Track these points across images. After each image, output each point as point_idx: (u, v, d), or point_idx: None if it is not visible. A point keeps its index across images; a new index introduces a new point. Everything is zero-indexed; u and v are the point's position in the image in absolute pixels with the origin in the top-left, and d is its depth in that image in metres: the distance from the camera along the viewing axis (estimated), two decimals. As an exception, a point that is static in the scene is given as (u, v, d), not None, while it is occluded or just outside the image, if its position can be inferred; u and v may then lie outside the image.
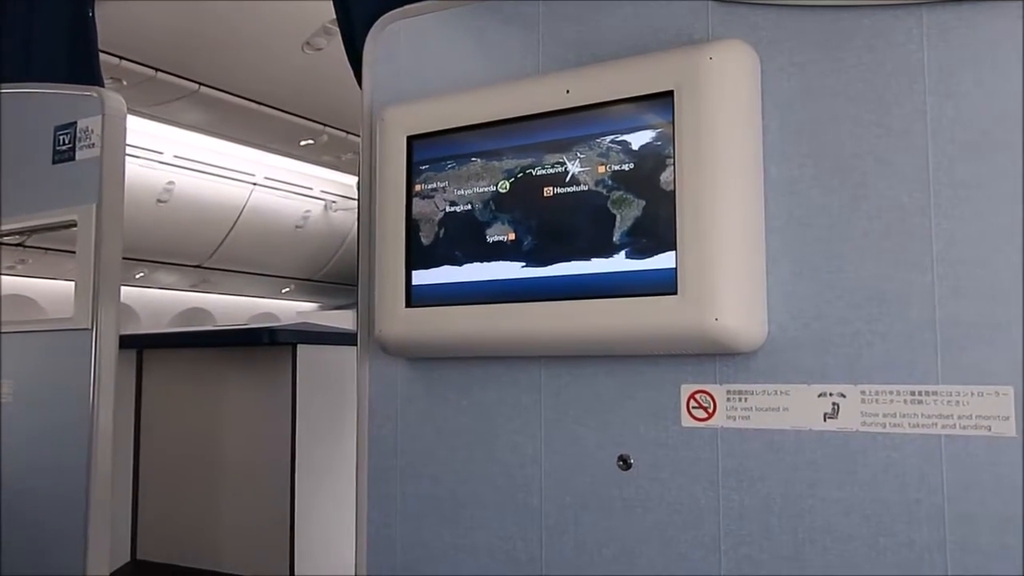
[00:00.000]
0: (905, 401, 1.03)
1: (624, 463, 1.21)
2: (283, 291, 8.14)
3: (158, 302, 7.00)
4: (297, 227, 7.06)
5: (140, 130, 4.89)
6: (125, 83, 3.84)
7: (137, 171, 5.17)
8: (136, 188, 5.18)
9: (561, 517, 1.25)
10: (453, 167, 1.31)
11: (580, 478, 1.24)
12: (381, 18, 1.50)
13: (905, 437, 1.03)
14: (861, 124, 1.08)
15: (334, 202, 7.00)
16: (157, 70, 3.87)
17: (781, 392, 1.11)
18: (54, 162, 1.88)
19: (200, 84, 4.12)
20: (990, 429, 0.98)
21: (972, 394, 0.99)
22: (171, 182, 5.65)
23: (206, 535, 2.63)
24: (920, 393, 1.02)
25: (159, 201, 5.69)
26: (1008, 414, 0.97)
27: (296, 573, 2.37)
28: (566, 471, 1.25)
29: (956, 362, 1.00)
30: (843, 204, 1.09)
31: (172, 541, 2.71)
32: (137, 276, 6.41)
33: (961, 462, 0.99)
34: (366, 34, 1.53)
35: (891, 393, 1.04)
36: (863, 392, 1.06)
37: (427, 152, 1.35)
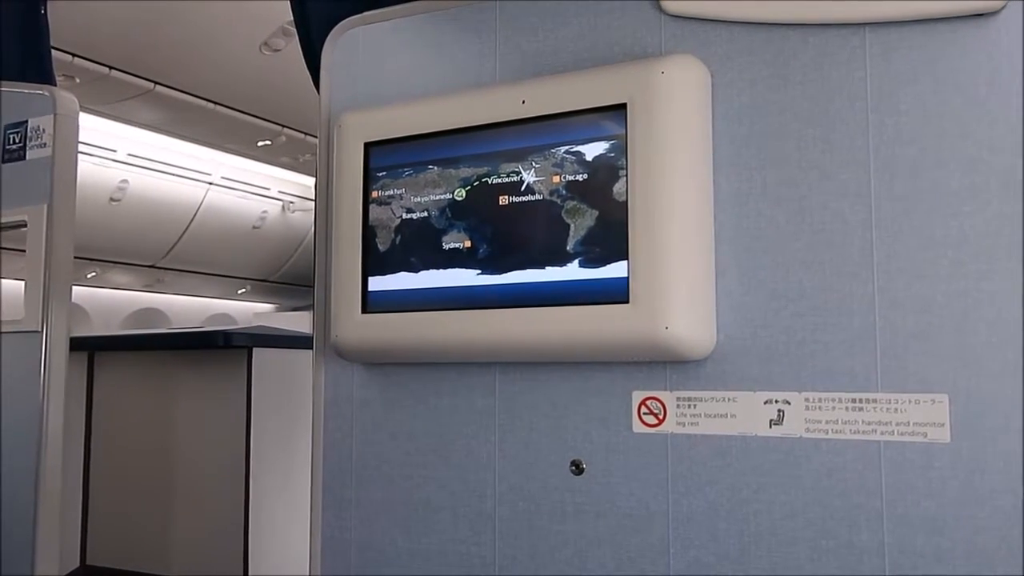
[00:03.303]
0: (847, 408, 1.07)
1: (577, 468, 1.23)
2: (239, 292, 8.05)
3: (110, 302, 6.87)
4: (254, 227, 6.99)
5: (94, 128, 4.81)
6: (78, 81, 3.79)
7: (90, 169, 5.08)
8: (89, 186, 5.09)
9: (514, 521, 1.27)
10: (410, 174, 1.33)
11: (533, 483, 1.26)
12: (340, 24, 1.51)
13: (846, 443, 1.06)
14: (807, 139, 1.12)
15: (292, 203, 6.95)
16: (111, 68, 3.81)
17: (729, 399, 1.14)
18: (3, 161, 1.86)
19: (156, 83, 4.07)
20: (926, 435, 1.02)
21: (909, 401, 1.03)
22: (125, 181, 5.56)
23: (158, 540, 2.60)
24: (860, 400, 1.06)
25: (112, 200, 5.60)
26: (943, 421, 1.01)
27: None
28: (520, 476, 1.27)
29: (894, 370, 1.04)
30: (789, 217, 1.12)
31: (123, 546, 2.68)
32: (89, 276, 6.29)
33: (899, 467, 1.03)
34: (324, 39, 1.53)
35: (833, 400, 1.07)
36: (807, 399, 1.09)
37: (384, 159, 1.35)
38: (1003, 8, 1.02)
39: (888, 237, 1.06)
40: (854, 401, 1.06)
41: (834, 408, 1.07)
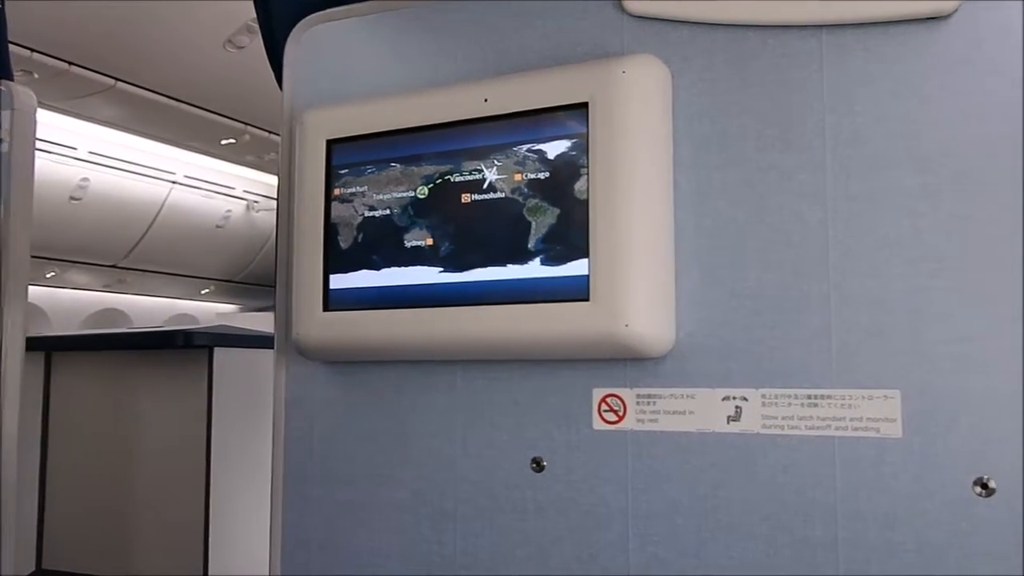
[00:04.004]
0: (802, 404, 1.08)
1: (537, 465, 1.24)
2: (203, 292, 7.96)
3: (70, 303, 6.77)
4: (218, 227, 6.93)
5: (54, 125, 4.73)
6: (37, 76, 3.72)
7: (49, 167, 5.00)
8: (48, 184, 5.01)
9: (475, 519, 1.27)
10: (372, 172, 1.32)
11: (494, 481, 1.26)
12: (302, 21, 1.50)
13: (802, 439, 1.08)
14: (765, 139, 1.13)
15: (256, 202, 6.89)
16: (71, 63, 3.75)
17: (688, 396, 1.15)
18: (-42, 157, 1.82)
19: (117, 79, 4.02)
20: (879, 431, 1.04)
21: (862, 397, 1.05)
22: (85, 179, 5.48)
23: (117, 542, 2.56)
24: (815, 397, 1.07)
25: (72, 198, 5.51)
26: (895, 416, 1.03)
27: (210, 579, 2.33)
28: (481, 474, 1.27)
29: (848, 367, 1.06)
30: (748, 216, 1.13)
31: (81, 549, 2.64)
32: (48, 276, 6.18)
33: (852, 462, 1.05)
34: (287, 36, 1.52)
35: (789, 397, 1.09)
36: (764, 395, 1.10)
37: (346, 156, 1.35)
38: (955, 12, 1.04)
39: (844, 236, 1.08)
40: (809, 397, 1.08)
41: (790, 404, 1.09)
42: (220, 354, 2.39)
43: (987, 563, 0.98)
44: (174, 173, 5.97)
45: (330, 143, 1.36)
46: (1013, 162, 1.01)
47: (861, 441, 1.05)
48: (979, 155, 1.02)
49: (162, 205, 6.14)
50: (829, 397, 1.07)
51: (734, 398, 1.12)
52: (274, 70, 1.61)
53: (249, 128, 4.89)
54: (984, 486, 0.99)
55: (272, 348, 1.49)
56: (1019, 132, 1.01)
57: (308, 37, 1.49)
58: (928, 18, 1.05)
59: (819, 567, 1.06)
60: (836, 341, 1.07)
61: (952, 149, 1.03)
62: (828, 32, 1.11)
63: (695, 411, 1.14)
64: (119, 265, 6.55)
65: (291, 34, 1.51)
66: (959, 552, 0.99)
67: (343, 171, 1.35)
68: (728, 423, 1.12)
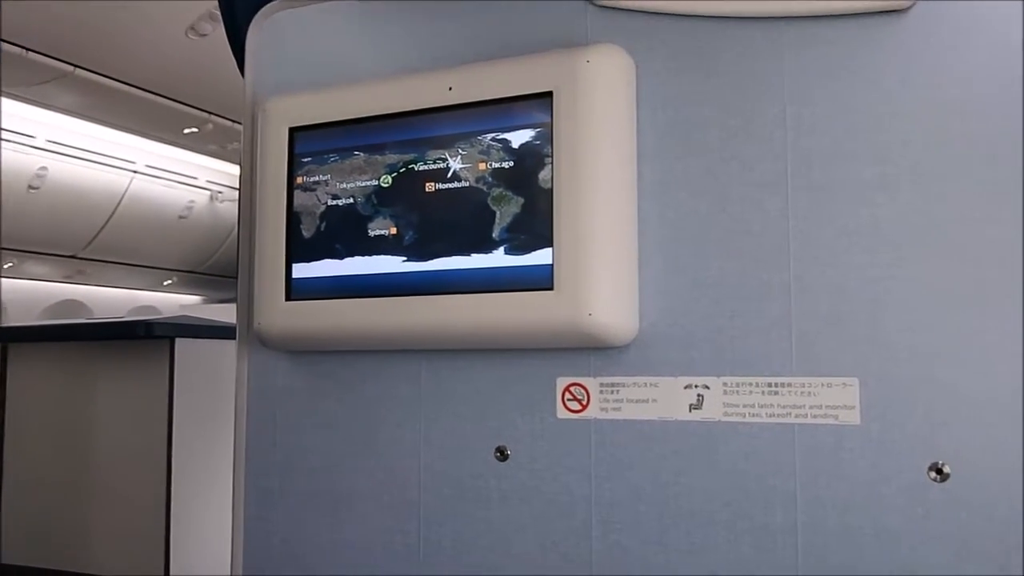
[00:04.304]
0: (763, 392, 1.09)
1: (501, 454, 1.24)
2: (165, 283, 7.86)
3: (29, 294, 6.64)
4: (181, 217, 6.83)
5: (10, 112, 4.63)
6: (-8, 62, 3.64)
7: (6, 155, 4.90)
8: (5, 173, 4.91)
9: (439, 509, 1.27)
10: (336, 160, 1.31)
11: (458, 470, 1.26)
12: (265, 7, 1.48)
13: (763, 426, 1.09)
14: (728, 130, 1.14)
15: (220, 192, 6.81)
16: (27, 49, 3.67)
17: (650, 384, 1.16)
18: (-92, 143, 1.77)
19: (75, 66, 3.94)
20: (837, 418, 1.06)
21: (822, 385, 1.07)
22: (44, 168, 5.38)
23: (77, 537, 2.52)
24: (776, 384, 1.09)
25: (30, 188, 5.41)
26: (853, 404, 1.05)
27: (171, 573, 2.31)
28: (445, 463, 1.27)
29: (808, 355, 1.07)
30: (710, 206, 1.14)
31: (40, 543, 2.59)
32: (6, 267, 6.06)
33: (812, 449, 1.06)
34: (248, 23, 1.50)
35: (750, 385, 1.10)
36: (725, 384, 1.11)
37: (309, 144, 1.34)
38: (912, 7, 1.06)
39: (804, 226, 1.09)
40: (770, 385, 1.09)
41: (751, 392, 1.10)
42: (182, 345, 2.36)
43: (941, 546, 1.00)
44: (135, 163, 5.88)
45: (293, 131, 1.34)
46: (969, 154, 1.02)
47: (820, 428, 1.06)
48: (936, 147, 1.04)
49: (123, 195, 6.04)
50: (789, 385, 1.08)
51: (696, 386, 1.13)
52: (236, 57, 1.59)
53: (212, 117, 4.83)
54: (939, 471, 1.01)
55: (234, 339, 1.48)
56: (975, 124, 1.02)
57: (270, 24, 1.47)
58: (886, 12, 1.07)
59: (779, 552, 1.07)
60: (796, 330, 1.08)
61: (910, 140, 1.05)
62: (789, 24, 1.12)
63: (658, 399, 1.15)
64: (79, 256, 6.43)
65: (253, 20, 1.49)
66: (915, 536, 1.01)
67: (306, 159, 1.33)
68: (690, 411, 1.13)
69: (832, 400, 1.06)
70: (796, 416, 1.08)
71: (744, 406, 1.10)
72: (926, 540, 1.01)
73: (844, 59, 1.09)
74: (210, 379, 2.43)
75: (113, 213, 6.12)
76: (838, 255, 1.07)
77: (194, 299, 8.31)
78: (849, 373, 1.05)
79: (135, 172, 5.97)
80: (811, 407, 1.07)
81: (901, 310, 1.04)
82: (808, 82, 1.10)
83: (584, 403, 1.19)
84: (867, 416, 1.04)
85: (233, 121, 4.82)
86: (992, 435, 0.99)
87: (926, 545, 1.01)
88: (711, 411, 1.12)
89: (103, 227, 6.19)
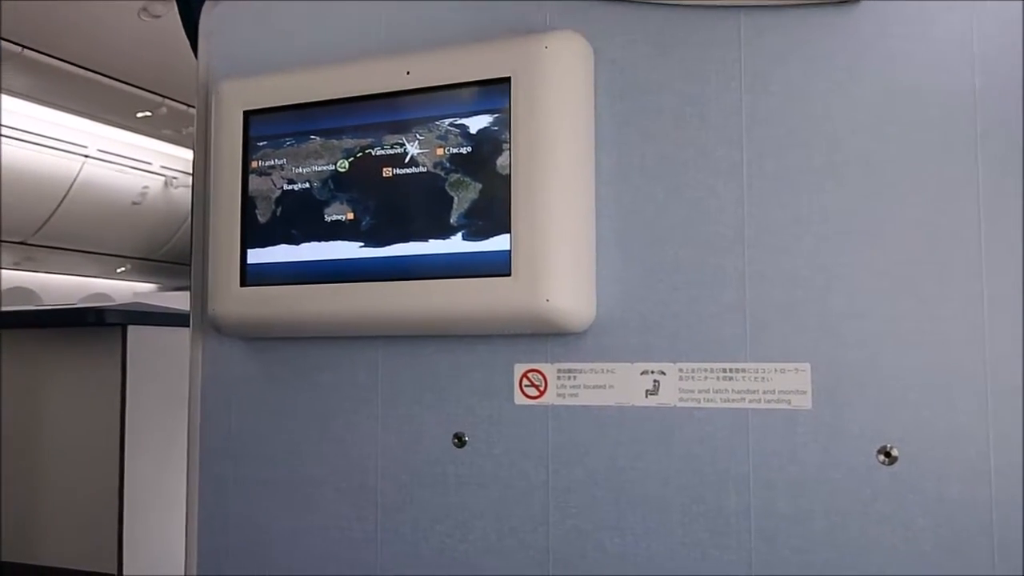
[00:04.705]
0: (718, 378, 1.11)
1: (459, 441, 1.24)
2: (119, 271, 7.71)
3: (-26, 281, 6.47)
4: (134, 203, 6.71)
5: (-46, 93, 4.50)
6: (-65, 41, 3.53)
7: (-50, 138, 4.76)
8: (-51, 157, 4.78)
9: (396, 495, 1.27)
10: (291, 144, 1.30)
11: (416, 456, 1.26)
12: (218, -13, 1.45)
13: (717, 411, 1.11)
14: (684, 117, 1.15)
15: (175, 178, 6.69)
16: (-27, 29, 3.57)
17: (607, 370, 1.16)
18: None
19: (24, 47, 3.83)
20: (790, 403, 1.07)
21: (775, 371, 1.08)
22: (-10, 151, 5.24)
23: (28, 528, 2.47)
24: (730, 370, 1.10)
25: (-24, 172, 5.26)
26: (805, 389, 1.07)
27: (125, 564, 2.27)
28: (402, 450, 1.27)
29: (762, 341, 1.09)
30: (667, 193, 1.15)
31: (-13, 535, 2.54)
32: (-49, 253, 5.91)
33: (764, 434, 1.08)
34: (202, 4, 1.47)
35: (705, 371, 1.11)
36: (681, 370, 1.13)
37: (264, 128, 1.32)
38: (864, -2, 1.07)
39: (758, 213, 1.10)
40: (724, 371, 1.10)
41: (706, 378, 1.11)
42: (134, 332, 2.32)
43: (890, 528, 1.02)
44: (86, 147, 5.75)
45: (247, 114, 1.32)
46: (919, 142, 1.04)
47: (773, 413, 1.08)
48: (886, 135, 1.06)
49: (74, 180, 5.91)
50: (743, 370, 1.10)
51: (652, 372, 1.14)
52: (189, 38, 1.56)
53: (166, 101, 4.73)
54: (887, 454, 1.03)
55: (188, 326, 1.46)
56: (925, 113, 1.04)
57: (224, 5, 1.44)
58: (839, 2, 1.08)
59: (732, 535, 1.09)
60: (750, 316, 1.10)
61: (860, 129, 1.07)
62: (746, 14, 1.13)
63: (615, 385, 1.16)
64: (28, 242, 6.28)
65: (207, 1, 1.46)
66: (863, 517, 1.03)
67: (261, 143, 1.32)
68: (647, 397, 1.14)
69: (785, 385, 1.08)
70: (750, 401, 1.09)
71: (699, 391, 1.12)
72: (875, 522, 1.03)
73: (798, 48, 1.10)
74: (164, 367, 2.39)
75: (64, 198, 5.99)
76: (790, 242, 1.09)
77: (149, 287, 8.17)
78: (801, 359, 1.07)
79: (86, 156, 5.84)
80: (764, 392, 1.09)
81: (851, 296, 1.06)
82: (763, 71, 1.11)
83: (542, 389, 1.20)
84: (818, 401, 1.06)
85: (188, 105, 4.73)
86: (939, 419, 1.01)
87: (875, 526, 1.03)
88: (667, 397, 1.13)
89: (53, 213, 6.06)
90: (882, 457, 1.03)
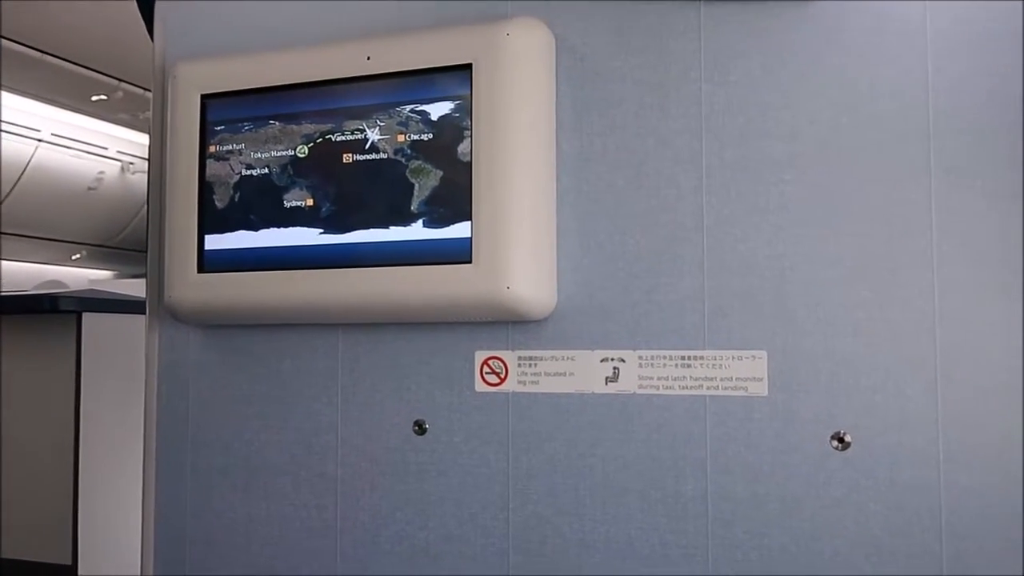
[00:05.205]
0: (676, 365, 1.12)
1: (419, 428, 1.24)
2: (74, 258, 7.56)
3: (-77, 267, 6.31)
4: (90, 189, 6.57)
5: (-100, 74, 4.37)
6: None
7: None
8: None
9: (356, 483, 1.26)
10: (250, 129, 1.28)
11: (376, 444, 1.26)
12: (175, -32, 1.43)
13: (676, 398, 1.12)
14: (644, 106, 1.15)
15: (132, 163, 6.57)
16: (-81, 7, 3.47)
17: (568, 358, 1.17)
18: None
19: (-28, 26, 3.73)
20: (747, 390, 1.09)
21: (732, 358, 1.09)
22: (-61, 134, 5.10)
23: (-24, 519, 2.43)
24: (689, 358, 1.11)
25: (-76, 154, 5.12)
26: (761, 376, 1.08)
27: (80, 555, 2.24)
28: (362, 437, 1.27)
29: (720, 329, 1.10)
30: (627, 181, 1.16)
31: (-64, 527, 2.49)
32: (-103, 238, 5.75)
33: (722, 420, 1.09)
34: (158, -16, 1.44)
35: (664, 358, 1.12)
36: (640, 357, 1.13)
37: (222, 112, 1.30)
38: (823, -11, 1.08)
39: (717, 202, 1.11)
40: (683, 358, 1.12)
41: (665, 365, 1.12)
42: (89, 320, 2.28)
43: (842, 512, 1.04)
44: (39, 131, 5.62)
45: (205, 98, 1.30)
46: (875, 133, 1.06)
47: (730, 399, 1.09)
48: (843, 126, 1.07)
49: (27, 165, 5.77)
50: (701, 358, 1.11)
51: (612, 359, 1.15)
52: (145, 19, 1.53)
53: (122, 84, 4.64)
54: (840, 440, 1.05)
55: (145, 313, 1.44)
56: (881, 105, 1.06)
57: (181, -14, 1.42)
58: (798, -6, 1.09)
59: (689, 520, 1.10)
60: (709, 304, 1.11)
61: (818, 120, 1.08)
62: (706, 5, 1.14)
63: (575, 372, 1.17)
64: (-22, 228, 6.13)
65: (163, -18, 1.43)
66: (817, 502, 1.05)
67: (219, 127, 1.30)
68: (606, 384, 1.15)
69: (742, 372, 1.09)
70: (708, 388, 1.10)
71: (658, 378, 1.13)
72: (828, 506, 1.05)
73: (758, 39, 1.11)
74: (120, 354, 2.35)
75: (16, 183, 5.85)
76: (749, 231, 1.10)
77: (105, 274, 8.02)
78: (758, 346, 1.09)
79: (40, 140, 5.70)
80: (722, 379, 1.10)
81: (807, 285, 1.07)
82: (722, 61, 1.12)
83: (502, 376, 1.20)
84: (774, 387, 1.08)
85: (145, 89, 4.65)
86: (891, 405, 1.03)
87: (828, 511, 1.05)
88: (626, 384, 1.14)
89: (5, 197, 5.92)
90: (835, 442, 1.05)
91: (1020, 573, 0.99)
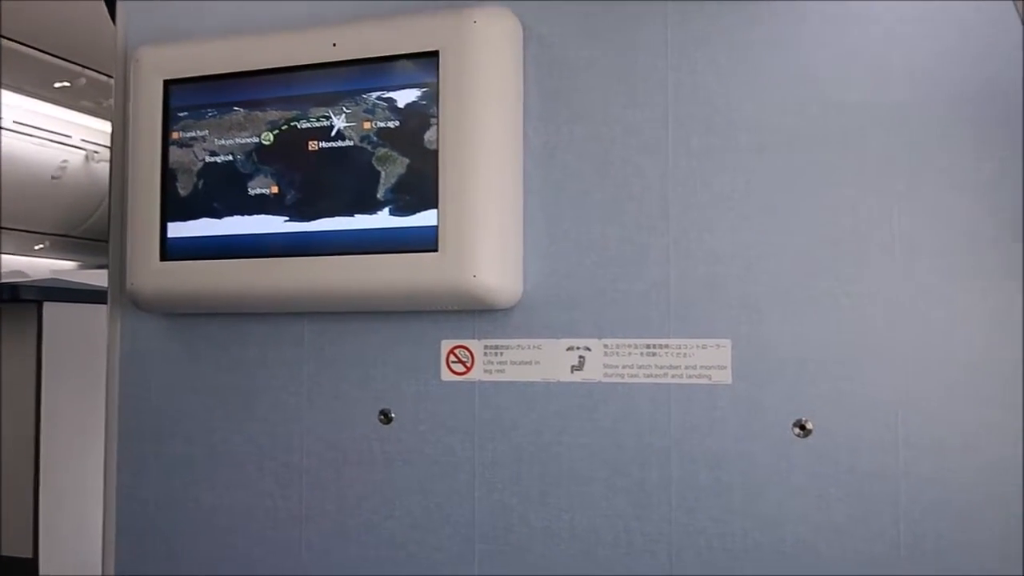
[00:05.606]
0: (641, 353, 1.12)
1: (385, 417, 1.23)
2: (36, 248, 7.43)
3: None
4: (53, 178, 6.45)
5: None
6: None
7: None
8: None
9: (322, 473, 1.26)
10: (214, 115, 1.26)
11: (342, 433, 1.25)
12: (137, -49, 1.40)
13: (640, 387, 1.12)
14: (611, 95, 1.15)
15: (96, 152, 6.46)
16: None
17: (534, 346, 1.17)
18: None
19: (-71, 10, 3.64)
20: (711, 378, 1.10)
21: (697, 346, 1.10)
22: None
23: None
24: (654, 346, 1.12)
25: None
26: (725, 364, 1.09)
27: (41, 547, 2.21)
28: (328, 427, 1.26)
29: (685, 318, 1.11)
30: (594, 169, 1.16)
31: None
32: None
33: (686, 408, 1.10)
34: (120, -33, 1.42)
35: (630, 347, 1.13)
36: (606, 345, 1.14)
37: (186, 98, 1.28)
38: (787, -19, 1.09)
39: (683, 191, 1.12)
40: (648, 347, 1.12)
41: (630, 354, 1.13)
42: (50, 309, 2.24)
43: (803, 498, 1.05)
44: (0, 118, 5.50)
45: (168, 83, 1.29)
46: (839, 123, 1.07)
47: (695, 388, 1.10)
48: (808, 115, 1.08)
49: (-12, 152, 5.65)
50: (666, 346, 1.11)
51: (578, 348, 1.15)
52: (107, 3, 1.50)
53: (86, 71, 4.55)
54: (803, 427, 1.06)
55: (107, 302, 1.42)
56: (842, 96, 1.07)
57: (144, -31, 1.39)
58: (764, -16, 1.10)
59: (653, 507, 1.11)
60: (674, 293, 1.12)
61: (783, 109, 1.09)
62: None
63: (541, 361, 1.17)
64: (-62, 217, 6.00)
65: (125, -35, 1.41)
66: (779, 489, 1.06)
67: (182, 114, 1.28)
68: (572, 372, 1.15)
69: (706, 361, 1.10)
70: (672, 376, 1.11)
71: (623, 367, 1.13)
72: (790, 493, 1.06)
73: (723, 30, 1.12)
74: (82, 344, 2.31)
75: (-24, 172, 5.73)
76: (714, 220, 1.11)
77: (69, 264, 7.89)
78: (722, 335, 1.09)
79: (1, 128, 5.59)
80: (686, 368, 1.11)
81: (772, 274, 1.08)
82: (689, 50, 1.13)
83: (468, 365, 1.20)
84: (738, 376, 1.08)
85: (109, 76, 4.57)
86: (852, 393, 1.05)
87: (790, 498, 1.06)
88: (592, 372, 1.15)
89: (-35, 186, 5.79)
90: (797, 430, 1.06)
91: (976, 557, 1.00)
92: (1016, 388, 1.00)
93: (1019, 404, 0.99)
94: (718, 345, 1.10)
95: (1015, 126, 1.01)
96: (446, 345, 1.21)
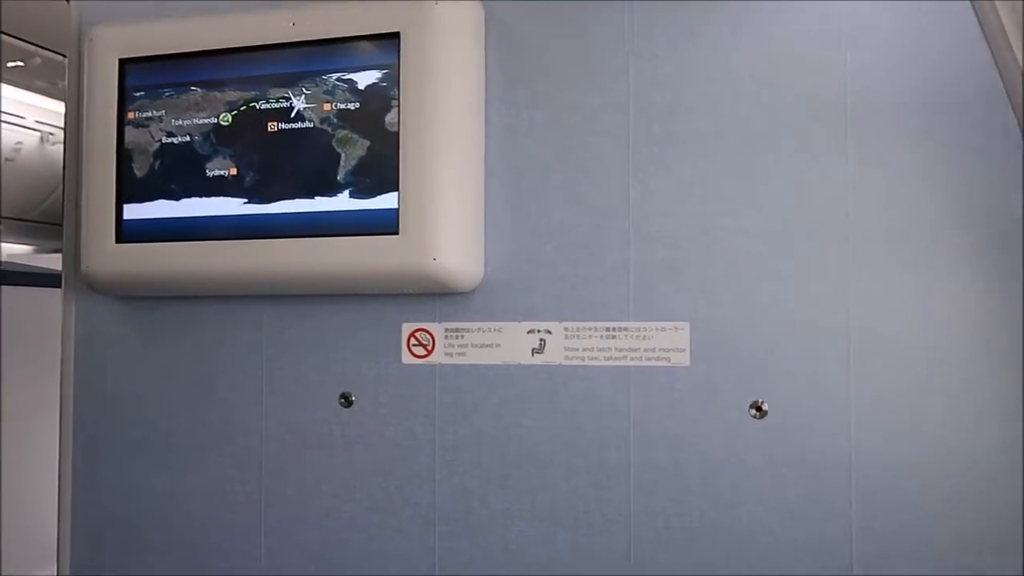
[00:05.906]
0: (601, 336, 1.13)
1: (346, 400, 1.23)
2: (-10, 232, 7.26)
3: None
4: (7, 160, 6.30)
5: None
6: None
7: None
8: None
9: (281, 457, 1.25)
10: (171, 95, 1.24)
11: (301, 417, 1.25)
12: (91, -74, 1.37)
13: (600, 369, 1.13)
14: (572, 80, 1.16)
15: (51, 134, 6.32)
16: None
17: (495, 329, 1.17)
18: None
19: None
20: (669, 360, 1.11)
21: (656, 329, 1.11)
22: None
23: None
24: (614, 329, 1.13)
25: None
26: (684, 347, 1.10)
27: (-5, 535, 2.17)
28: (287, 410, 1.25)
29: (644, 301, 1.12)
30: (555, 154, 1.16)
31: None
32: None
33: (645, 390, 1.11)
34: (73, -58, 1.39)
35: (590, 330, 1.14)
36: (566, 328, 1.15)
37: (142, 78, 1.26)
38: (748, -34, 1.10)
39: (643, 176, 1.13)
40: (608, 330, 1.13)
41: (590, 337, 1.14)
42: (5, 293, 2.19)
43: (758, 478, 1.07)
44: (-49, 98, 5.36)
45: (123, 63, 1.26)
46: (790, 110, 1.08)
47: (654, 370, 1.11)
48: (765, 102, 1.09)
49: (-62, 133, 5.51)
50: (626, 329, 1.12)
51: (538, 331, 1.16)
52: (59, -20, 1.47)
53: (40, 51, 4.45)
54: (759, 409, 1.08)
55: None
56: (796, 83, 1.08)
57: (98, -55, 1.36)
58: (724, -30, 1.11)
59: (613, 488, 1.12)
60: (634, 277, 1.12)
61: (741, 95, 1.10)
62: None
63: (502, 344, 1.17)
64: None
65: (78, -60, 1.38)
66: (735, 469, 1.08)
67: (138, 93, 1.26)
68: (532, 355, 1.16)
69: (665, 343, 1.11)
70: (632, 359, 1.12)
71: (584, 350, 1.14)
72: (746, 473, 1.08)
73: (683, 16, 1.12)
74: (36, 330, 2.27)
75: (-74, 153, 5.58)
76: (674, 205, 1.11)
77: (23, 248, 7.74)
78: (681, 318, 1.11)
79: (-49, 108, 5.45)
80: (646, 350, 1.12)
81: (729, 258, 1.09)
82: (650, 36, 1.13)
83: (429, 348, 1.20)
84: (696, 358, 1.10)
85: (63, 55, 4.48)
86: (806, 375, 1.06)
87: (746, 478, 1.08)
88: (553, 355, 1.15)
89: (-86, 168, 5.64)
90: (753, 411, 1.08)
91: (927, 537, 1.03)
92: (967, 370, 1.02)
93: (970, 386, 1.02)
94: (676, 328, 1.11)
95: (964, 115, 1.03)
96: (407, 328, 1.21)
